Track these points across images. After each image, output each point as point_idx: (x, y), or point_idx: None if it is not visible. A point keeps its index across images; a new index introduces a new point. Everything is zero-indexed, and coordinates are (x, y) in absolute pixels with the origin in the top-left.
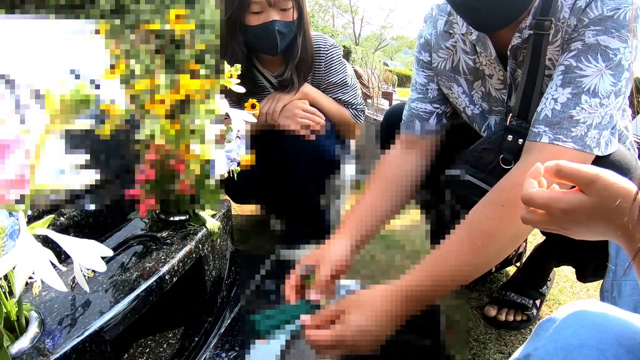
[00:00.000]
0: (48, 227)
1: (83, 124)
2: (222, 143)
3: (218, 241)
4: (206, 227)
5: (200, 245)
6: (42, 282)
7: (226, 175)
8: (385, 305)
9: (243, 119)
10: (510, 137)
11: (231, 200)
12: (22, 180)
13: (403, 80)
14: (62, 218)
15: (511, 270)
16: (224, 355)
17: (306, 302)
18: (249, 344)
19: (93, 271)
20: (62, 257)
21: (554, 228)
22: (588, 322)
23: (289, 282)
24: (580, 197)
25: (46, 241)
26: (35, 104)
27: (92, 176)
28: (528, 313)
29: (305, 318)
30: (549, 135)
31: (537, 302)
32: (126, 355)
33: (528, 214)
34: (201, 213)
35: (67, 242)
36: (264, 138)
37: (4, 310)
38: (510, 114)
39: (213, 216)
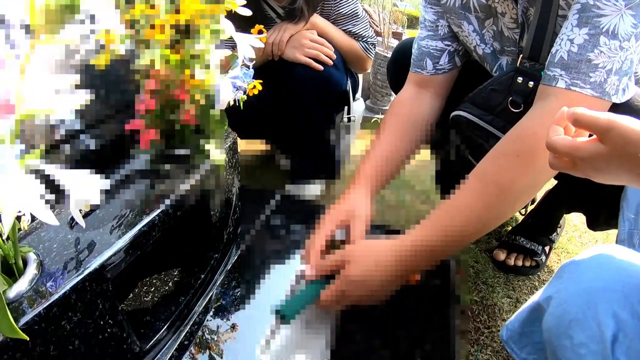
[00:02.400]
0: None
1: (71, 34)
2: (227, 69)
3: (223, 175)
4: (211, 160)
5: (204, 179)
6: (36, 218)
7: (232, 103)
8: (390, 259)
9: (249, 44)
10: (520, 79)
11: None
12: (8, 105)
13: (412, 22)
14: (60, 155)
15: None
16: (230, 292)
17: (325, 280)
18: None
19: (92, 207)
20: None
21: (579, 173)
22: (613, 265)
23: (312, 245)
24: (597, 146)
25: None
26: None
27: (84, 97)
28: (537, 259)
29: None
30: (566, 80)
31: (546, 248)
32: (130, 294)
33: (554, 159)
34: (206, 145)
35: (61, 174)
36: (270, 69)
37: (1, 253)
38: (521, 55)
39: (218, 149)
